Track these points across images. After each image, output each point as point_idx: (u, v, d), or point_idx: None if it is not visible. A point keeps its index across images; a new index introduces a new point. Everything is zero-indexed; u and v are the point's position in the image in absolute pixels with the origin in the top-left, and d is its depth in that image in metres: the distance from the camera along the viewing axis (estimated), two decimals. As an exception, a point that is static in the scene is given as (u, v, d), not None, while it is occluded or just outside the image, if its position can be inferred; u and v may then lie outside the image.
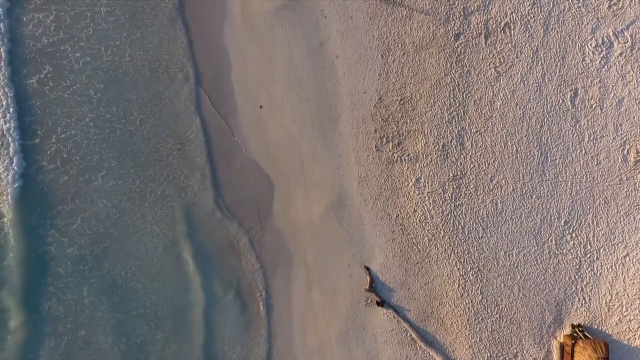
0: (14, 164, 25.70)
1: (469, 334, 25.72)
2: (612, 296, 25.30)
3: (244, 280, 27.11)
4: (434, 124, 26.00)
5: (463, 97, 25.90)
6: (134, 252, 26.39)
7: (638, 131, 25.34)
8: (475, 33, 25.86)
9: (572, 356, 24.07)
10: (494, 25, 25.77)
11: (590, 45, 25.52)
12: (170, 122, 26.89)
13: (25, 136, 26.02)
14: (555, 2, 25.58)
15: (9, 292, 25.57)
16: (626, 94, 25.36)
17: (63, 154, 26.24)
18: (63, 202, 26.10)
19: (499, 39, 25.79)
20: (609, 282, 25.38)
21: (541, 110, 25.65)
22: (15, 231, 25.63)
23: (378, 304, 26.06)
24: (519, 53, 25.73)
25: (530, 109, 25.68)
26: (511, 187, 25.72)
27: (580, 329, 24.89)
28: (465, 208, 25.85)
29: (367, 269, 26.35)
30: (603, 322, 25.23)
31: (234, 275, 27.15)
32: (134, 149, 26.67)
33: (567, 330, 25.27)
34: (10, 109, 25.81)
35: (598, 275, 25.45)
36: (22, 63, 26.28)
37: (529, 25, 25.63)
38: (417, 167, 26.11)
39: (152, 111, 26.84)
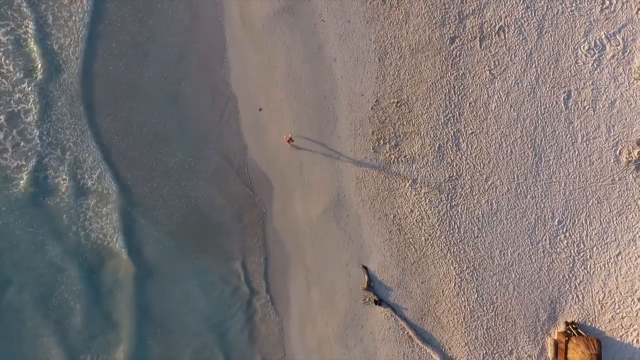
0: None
1: (465, 332, 26.18)
2: (605, 294, 25.79)
3: (243, 280, 27.50)
4: (430, 126, 26.45)
5: (458, 99, 26.36)
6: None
7: (630, 132, 25.81)
8: (470, 36, 26.32)
9: (566, 353, 24.54)
10: (489, 29, 26.24)
11: (583, 48, 25.99)
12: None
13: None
14: (549, 6, 26.07)
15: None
16: (618, 95, 25.84)
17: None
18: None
19: (493, 42, 26.26)
20: (602, 280, 25.87)
21: (535, 112, 26.12)
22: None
23: (376, 302, 26.48)
24: (513, 56, 26.20)
25: (524, 111, 26.14)
26: (506, 188, 26.20)
27: (573, 326, 25.36)
28: (461, 208, 26.32)
29: (365, 268, 26.77)
30: (596, 319, 25.70)
31: (233, 276, 27.55)
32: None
33: (561, 327, 25.74)
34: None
35: (591, 273, 25.93)
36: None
37: (522, 29, 26.11)
38: (414, 168, 26.57)
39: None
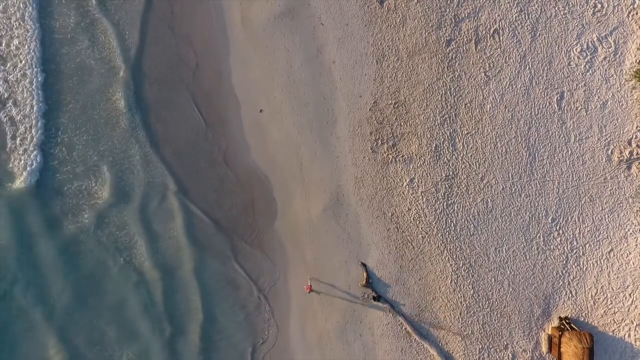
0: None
1: (461, 327, 26.82)
2: (597, 290, 26.44)
3: (243, 279, 27.98)
4: (426, 127, 27.08)
5: (454, 100, 26.99)
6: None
7: (621, 132, 26.44)
8: (465, 39, 26.94)
9: (559, 347, 25.21)
10: (484, 32, 26.85)
11: (576, 50, 26.61)
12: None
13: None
14: (542, 9, 26.67)
15: None
16: (610, 96, 26.47)
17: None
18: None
19: (488, 44, 26.87)
20: (595, 277, 26.52)
21: (529, 113, 26.75)
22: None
23: (374, 298, 27.04)
24: (507, 58, 26.82)
25: (518, 112, 26.78)
26: (501, 187, 26.84)
27: (567, 321, 26.00)
28: (457, 206, 26.95)
29: (364, 265, 27.36)
30: (589, 314, 26.37)
31: (233, 275, 28.06)
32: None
33: (555, 322, 26.39)
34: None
35: (584, 270, 26.58)
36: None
37: (516, 32, 26.73)
38: (411, 167, 27.19)
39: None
